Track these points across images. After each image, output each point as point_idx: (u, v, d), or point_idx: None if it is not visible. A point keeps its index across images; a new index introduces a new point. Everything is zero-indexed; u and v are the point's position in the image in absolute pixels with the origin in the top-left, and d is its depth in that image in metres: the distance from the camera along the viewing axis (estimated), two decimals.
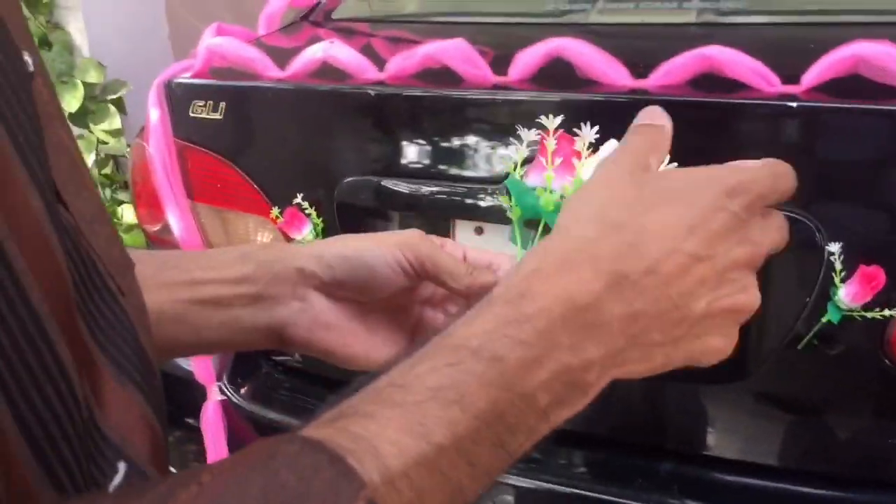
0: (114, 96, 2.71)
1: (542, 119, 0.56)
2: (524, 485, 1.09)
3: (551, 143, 0.57)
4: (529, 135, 0.60)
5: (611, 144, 0.56)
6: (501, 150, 1.05)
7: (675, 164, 0.56)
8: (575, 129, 0.56)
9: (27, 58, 0.31)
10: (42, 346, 0.26)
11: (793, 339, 0.96)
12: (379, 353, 0.58)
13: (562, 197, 0.56)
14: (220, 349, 0.57)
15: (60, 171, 0.31)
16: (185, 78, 1.25)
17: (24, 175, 0.27)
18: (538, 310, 0.36)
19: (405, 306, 0.60)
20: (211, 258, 0.59)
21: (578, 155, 0.56)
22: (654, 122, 0.45)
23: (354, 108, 1.15)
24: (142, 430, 0.32)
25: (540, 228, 0.57)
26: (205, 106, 1.22)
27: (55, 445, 0.26)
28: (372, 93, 1.10)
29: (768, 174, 0.42)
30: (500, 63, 1.08)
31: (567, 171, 0.56)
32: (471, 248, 0.59)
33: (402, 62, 1.12)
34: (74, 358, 0.27)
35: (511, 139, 1.04)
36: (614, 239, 0.39)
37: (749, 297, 0.41)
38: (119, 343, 0.33)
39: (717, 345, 0.41)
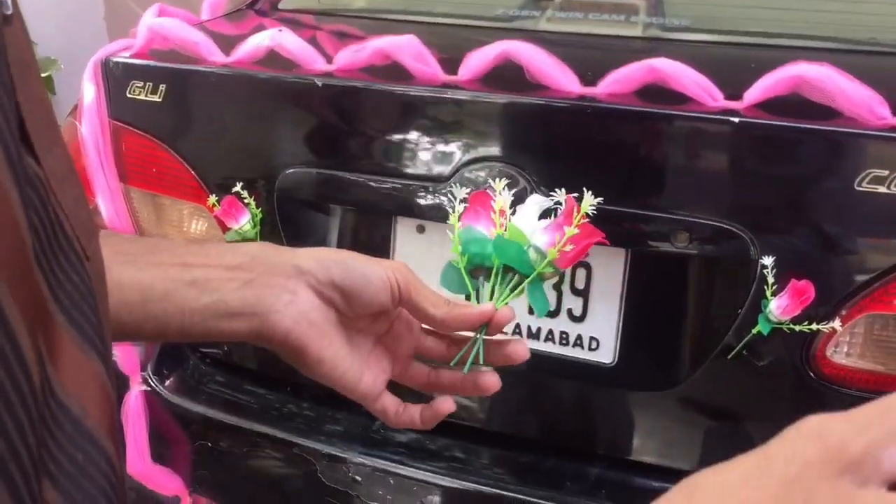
0: (43, 74, 2.61)
1: (492, 182, 0.64)
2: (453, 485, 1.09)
3: (501, 200, 0.64)
4: (461, 192, 0.66)
5: (534, 198, 0.64)
6: (446, 149, 1.05)
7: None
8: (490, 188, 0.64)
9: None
10: None
11: (723, 349, 0.98)
12: (343, 364, 0.60)
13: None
14: (198, 337, 0.56)
15: (35, 124, 0.29)
16: (124, 57, 1.21)
17: None
18: None
19: (369, 329, 0.62)
20: (203, 247, 0.59)
21: (503, 213, 0.64)
22: None
23: (300, 98, 1.13)
24: (101, 402, 0.29)
25: (500, 274, 0.62)
26: (144, 87, 1.18)
27: None
28: (319, 83, 1.08)
29: None
30: (447, 63, 1.08)
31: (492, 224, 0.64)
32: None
33: (352, 55, 1.11)
34: (28, 317, 0.25)
35: (458, 138, 1.04)
36: None
37: None
38: (83, 308, 0.30)
39: None
